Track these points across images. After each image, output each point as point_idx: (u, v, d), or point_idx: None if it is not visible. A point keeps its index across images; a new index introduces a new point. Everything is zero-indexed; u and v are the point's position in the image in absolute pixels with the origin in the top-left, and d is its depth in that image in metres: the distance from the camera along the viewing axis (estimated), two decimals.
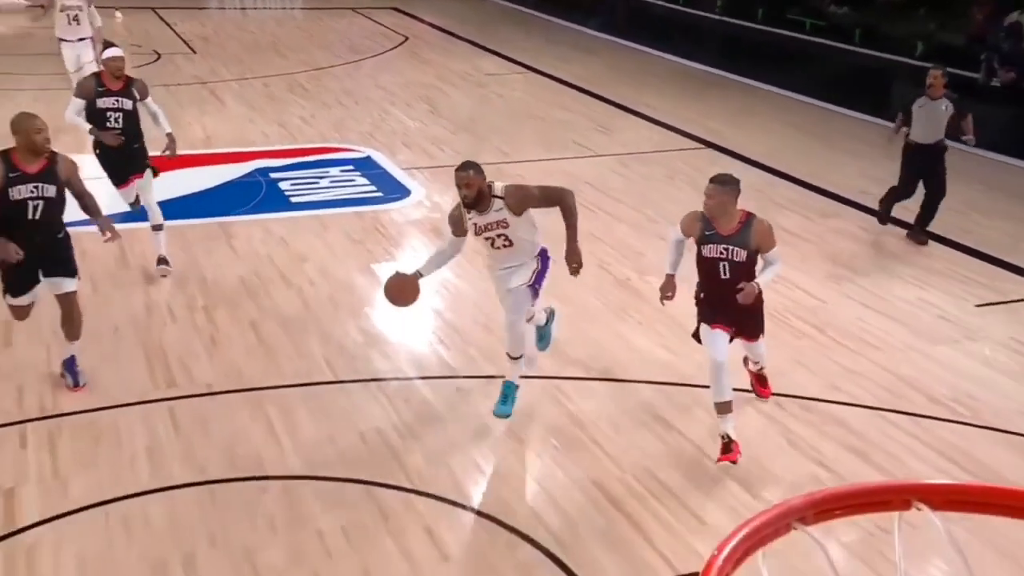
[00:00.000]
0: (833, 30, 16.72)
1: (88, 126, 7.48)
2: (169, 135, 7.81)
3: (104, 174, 7.72)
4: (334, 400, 6.25)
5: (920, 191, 8.95)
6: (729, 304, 5.42)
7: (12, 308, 6.05)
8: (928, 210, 8.95)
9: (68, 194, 5.91)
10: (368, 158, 11.32)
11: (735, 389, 5.65)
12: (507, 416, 5.93)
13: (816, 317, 7.47)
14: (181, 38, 17.88)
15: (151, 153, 7.86)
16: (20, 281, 5.89)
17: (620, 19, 19.74)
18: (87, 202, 6.12)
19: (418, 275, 5.82)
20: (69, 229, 6.04)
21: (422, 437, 5.82)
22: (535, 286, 5.83)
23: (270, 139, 11.98)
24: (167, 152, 7.84)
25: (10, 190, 5.57)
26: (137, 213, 7.88)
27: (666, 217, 9.61)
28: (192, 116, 12.71)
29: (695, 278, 5.63)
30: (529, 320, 5.99)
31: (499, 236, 5.72)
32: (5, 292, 5.94)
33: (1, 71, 14.36)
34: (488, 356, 6.64)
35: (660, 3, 20.59)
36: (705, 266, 5.51)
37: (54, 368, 6.32)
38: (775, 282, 5.85)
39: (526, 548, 4.93)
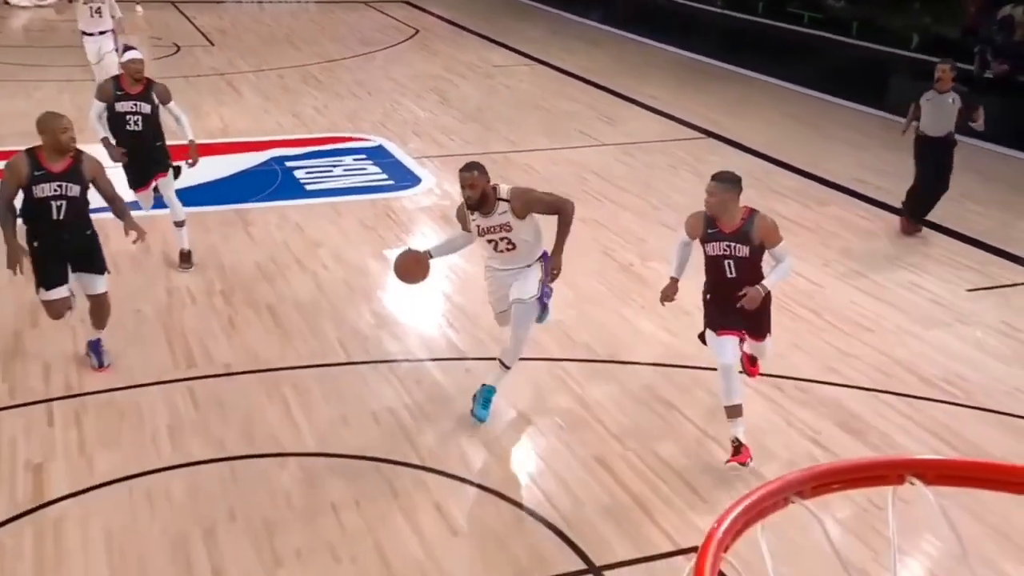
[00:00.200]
0: (831, 23, 16.63)
1: (104, 135, 7.35)
2: (191, 143, 7.60)
3: (121, 176, 7.60)
4: (347, 381, 6.27)
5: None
6: (736, 303, 5.26)
7: (46, 305, 5.93)
8: (928, 202, 8.81)
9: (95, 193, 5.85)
10: (380, 147, 11.31)
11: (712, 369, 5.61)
12: (485, 420, 5.72)
13: (813, 301, 7.46)
14: (200, 31, 17.85)
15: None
16: (50, 275, 5.80)
17: (624, 12, 19.64)
18: (117, 205, 6.05)
19: (428, 255, 5.72)
20: (91, 216, 6.02)
21: (432, 417, 5.84)
22: (544, 300, 5.66)
23: (285, 129, 11.97)
24: (190, 161, 7.65)
25: (34, 188, 5.51)
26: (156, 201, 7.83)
27: (668, 205, 9.62)
28: (210, 106, 12.71)
29: (702, 276, 5.46)
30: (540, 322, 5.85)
31: (502, 239, 5.55)
32: (38, 287, 5.86)
33: (27, 63, 14.36)
34: (496, 338, 6.63)
35: None
36: (710, 265, 5.37)
37: (79, 349, 6.35)
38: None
39: (532, 523, 4.95)
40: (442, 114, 12.83)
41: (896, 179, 10.54)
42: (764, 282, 5.25)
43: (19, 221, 5.79)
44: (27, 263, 5.69)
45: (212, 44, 16.83)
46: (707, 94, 14.29)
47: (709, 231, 5.32)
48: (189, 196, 8.21)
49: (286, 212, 9.15)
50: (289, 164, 10.58)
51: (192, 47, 16.44)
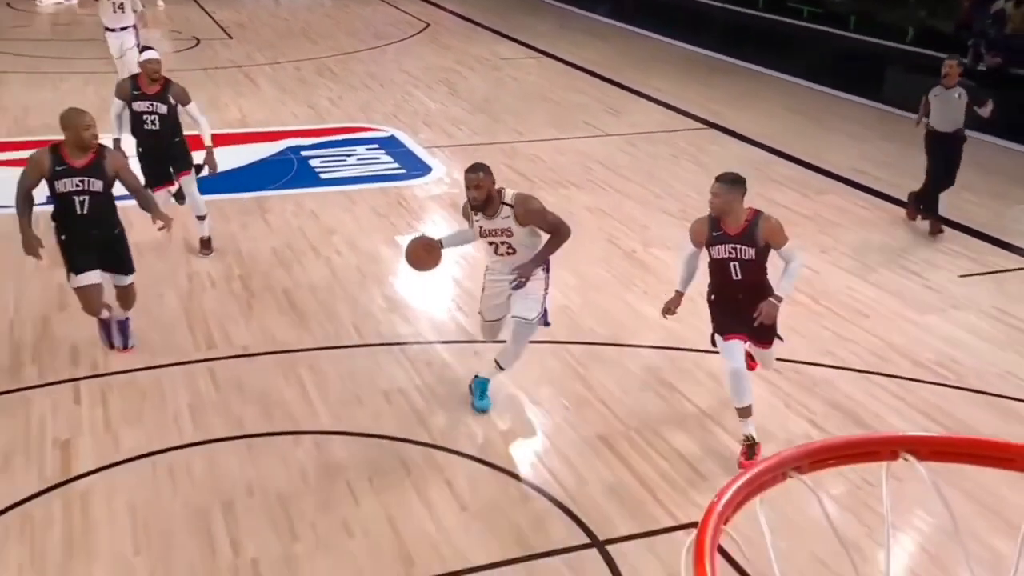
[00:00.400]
0: (829, 17, 16.53)
1: (117, 136, 7.27)
2: (209, 149, 7.44)
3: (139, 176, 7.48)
4: (361, 362, 6.28)
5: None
6: (742, 306, 5.12)
7: (79, 293, 5.82)
8: (925, 192, 8.71)
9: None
10: (392, 137, 11.30)
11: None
12: (488, 409, 5.64)
13: (810, 287, 7.44)
14: (219, 25, 17.83)
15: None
16: (78, 260, 5.71)
17: (630, 6, 19.54)
18: (142, 197, 6.00)
19: (440, 243, 5.60)
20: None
21: (442, 397, 5.85)
22: (545, 319, 5.57)
23: (301, 119, 11.96)
24: (206, 169, 7.49)
25: (56, 182, 5.45)
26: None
27: (671, 193, 9.60)
28: (228, 98, 12.71)
29: (706, 273, 5.36)
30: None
31: (503, 243, 5.41)
32: (68, 274, 5.78)
33: (53, 55, 14.38)
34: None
35: None
36: (716, 268, 5.18)
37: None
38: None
39: (538, 499, 4.97)
40: (452, 105, 12.81)
41: (893, 169, 10.53)
42: (778, 292, 5.06)
43: (48, 217, 5.78)
44: (41, 251, 5.63)
45: (231, 37, 16.81)
46: (709, 86, 14.23)
47: (714, 234, 5.13)
48: (209, 185, 8.21)
49: (302, 200, 9.16)
50: (305, 154, 10.58)
51: (211, 40, 16.42)
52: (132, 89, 7.27)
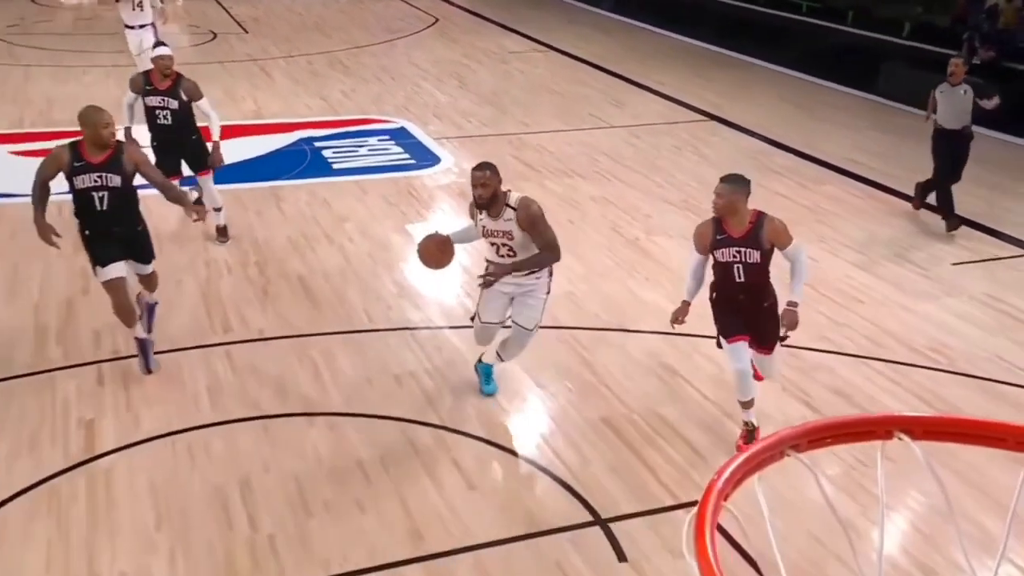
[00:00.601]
0: (827, 11, 16.43)
1: (127, 124, 7.20)
2: (215, 144, 7.30)
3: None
4: (372, 346, 6.29)
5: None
6: (743, 308, 5.00)
7: (107, 287, 5.58)
8: (931, 185, 8.56)
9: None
10: (402, 128, 11.27)
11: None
12: (495, 392, 5.61)
13: (807, 274, 7.41)
14: (235, 19, 17.79)
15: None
16: (101, 252, 5.53)
17: (632, 1, 19.43)
18: (171, 192, 5.90)
19: (451, 241, 5.41)
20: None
21: (450, 380, 5.85)
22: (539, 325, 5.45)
23: (314, 111, 11.93)
24: (210, 163, 7.36)
25: (75, 178, 5.32)
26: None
27: (672, 183, 9.57)
28: (244, 90, 12.69)
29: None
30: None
31: (504, 245, 5.24)
32: (94, 267, 5.61)
33: (75, 49, 14.38)
34: None
35: None
36: (720, 270, 5.00)
37: None
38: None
39: (544, 479, 4.98)
40: (461, 97, 12.77)
41: (887, 160, 10.49)
42: (792, 297, 4.90)
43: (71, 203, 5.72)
44: (56, 239, 5.48)
45: (246, 32, 16.76)
46: (710, 79, 14.16)
47: (718, 237, 4.93)
48: (226, 174, 8.21)
49: (315, 189, 9.15)
50: (318, 144, 10.57)
51: (227, 34, 16.38)
52: (144, 84, 7.23)
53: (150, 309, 6.15)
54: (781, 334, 5.08)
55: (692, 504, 4.67)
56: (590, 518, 4.66)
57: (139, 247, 5.72)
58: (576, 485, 4.90)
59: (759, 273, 4.96)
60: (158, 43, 7.90)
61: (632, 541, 4.49)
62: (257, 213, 8.50)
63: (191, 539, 4.45)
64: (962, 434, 2.41)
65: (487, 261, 5.46)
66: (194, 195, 7.50)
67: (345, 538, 4.48)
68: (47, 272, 7.08)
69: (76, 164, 5.30)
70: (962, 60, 8.30)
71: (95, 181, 5.32)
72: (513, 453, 5.21)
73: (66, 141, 5.52)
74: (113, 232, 5.48)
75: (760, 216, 4.93)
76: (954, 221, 8.38)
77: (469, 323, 5.71)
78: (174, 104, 7.18)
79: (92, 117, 5.32)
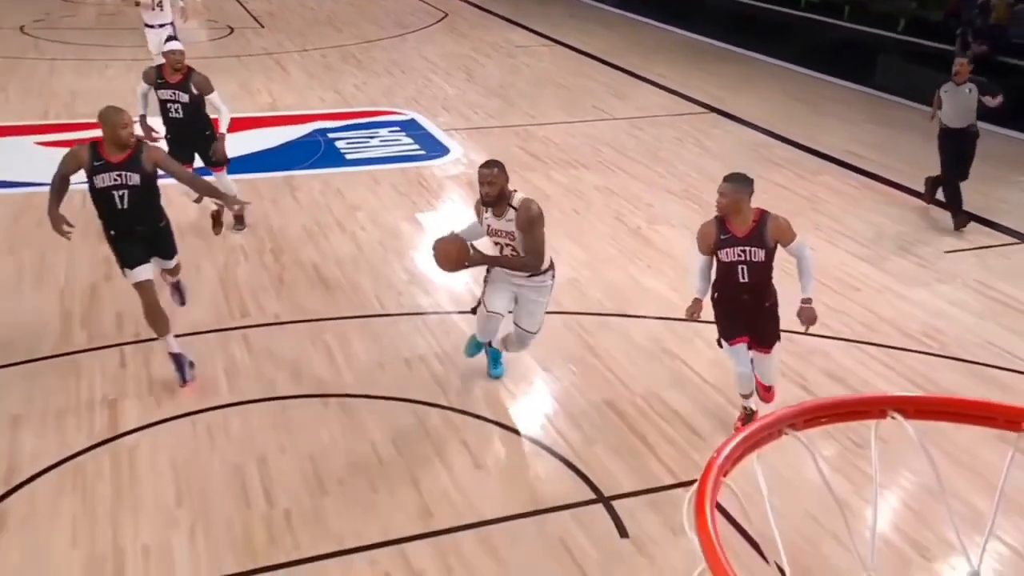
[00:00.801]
0: (825, 6, 16.30)
1: (142, 112, 7.14)
2: (220, 136, 7.20)
3: None
4: (383, 331, 6.30)
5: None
6: (744, 308, 4.87)
7: (137, 290, 5.42)
8: (940, 181, 8.38)
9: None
10: (412, 120, 11.25)
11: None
12: (502, 375, 5.55)
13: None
14: (251, 14, 17.75)
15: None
16: (128, 254, 5.37)
17: None
18: (200, 185, 5.80)
19: (470, 248, 5.10)
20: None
21: (459, 363, 5.86)
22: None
23: (327, 103, 11.92)
24: (212, 154, 7.20)
25: (95, 178, 5.19)
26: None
27: (674, 174, 9.54)
28: (260, 83, 12.67)
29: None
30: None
31: (507, 245, 5.10)
32: (122, 268, 5.46)
33: (98, 44, 14.37)
34: None
35: None
36: (723, 270, 4.83)
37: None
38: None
39: (548, 458, 4.99)
40: (469, 90, 12.73)
41: (884, 151, 10.43)
42: (805, 295, 4.80)
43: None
44: (69, 229, 5.33)
45: (262, 26, 16.73)
46: (711, 73, 14.09)
47: (722, 236, 4.77)
48: (242, 164, 8.22)
49: (328, 179, 9.15)
50: (331, 135, 10.56)
51: (244, 29, 16.35)
52: (156, 77, 7.14)
53: (179, 286, 6.16)
54: (802, 331, 4.94)
55: (692, 483, 4.69)
56: (593, 496, 4.68)
57: (163, 243, 5.59)
58: (579, 464, 4.91)
59: (763, 272, 4.82)
60: (170, 37, 7.81)
61: (633, 518, 4.51)
62: (273, 202, 8.51)
63: (210, 515, 4.48)
64: (953, 413, 2.41)
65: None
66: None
67: (358, 515, 4.50)
68: (72, 259, 7.10)
69: (96, 163, 5.18)
70: (967, 59, 8.10)
71: (115, 180, 5.19)
72: (519, 434, 5.23)
73: (87, 140, 5.39)
74: (136, 231, 5.35)
75: (763, 214, 4.79)
76: (962, 218, 8.22)
77: (472, 312, 5.56)
78: (184, 98, 7.10)
79: (111, 117, 5.20)
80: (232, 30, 16.20)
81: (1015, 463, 2.27)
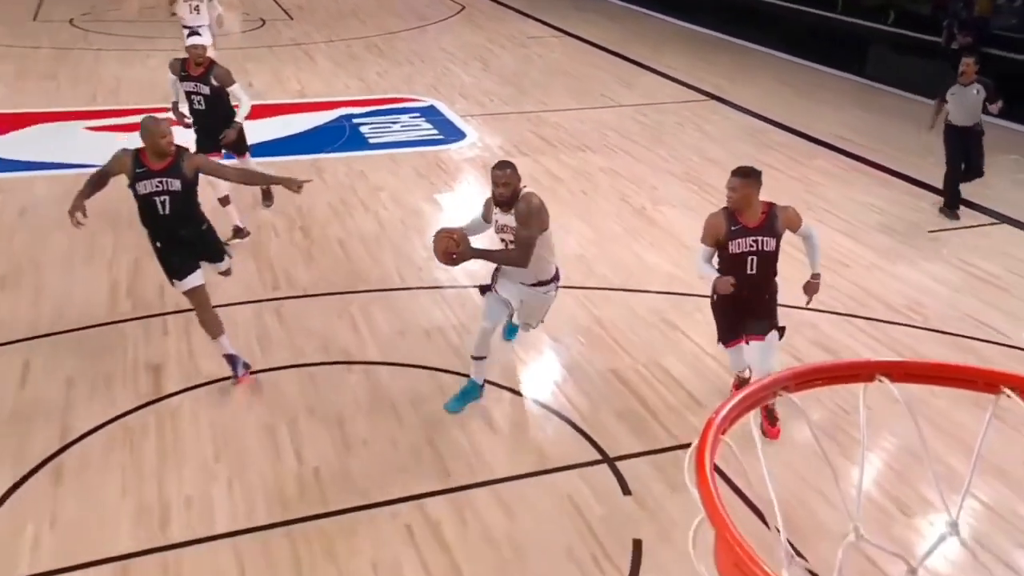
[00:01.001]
0: (819, 0, 16.04)
1: (175, 100, 7.08)
2: (235, 123, 6.97)
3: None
4: (404, 303, 6.31)
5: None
6: (744, 305, 4.61)
7: (188, 297, 5.28)
8: (962, 179, 8.06)
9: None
10: (432, 107, 11.19)
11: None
12: (513, 338, 5.16)
13: (797, 240, 7.34)
14: (281, 7, 17.65)
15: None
16: (177, 264, 5.18)
17: None
18: (250, 177, 5.69)
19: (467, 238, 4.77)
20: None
21: (474, 334, 5.82)
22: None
23: (352, 91, 11.87)
24: (222, 138, 6.94)
25: (137, 184, 5.03)
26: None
27: (676, 157, 9.47)
28: (290, 72, 12.62)
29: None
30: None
31: (511, 242, 4.73)
32: (171, 280, 5.27)
33: (141, 35, 14.35)
34: None
35: None
36: (731, 262, 4.55)
37: None
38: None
39: (557, 422, 5.01)
40: (484, 79, 12.65)
41: (872, 137, 10.32)
42: (815, 270, 4.69)
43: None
44: (83, 219, 5.00)
45: (291, 18, 16.64)
46: (711, 62, 13.94)
47: (733, 227, 4.51)
48: (273, 148, 8.22)
49: (353, 162, 9.13)
50: (355, 121, 10.52)
51: (275, 21, 16.27)
52: (180, 70, 7.00)
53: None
54: (805, 305, 4.85)
55: (690, 445, 4.71)
56: (598, 456, 4.70)
57: (208, 247, 5.35)
58: (585, 427, 4.93)
59: (771, 264, 4.60)
60: (192, 32, 7.63)
61: (636, 477, 4.53)
62: None
63: (246, 470, 4.53)
64: (936, 377, 2.39)
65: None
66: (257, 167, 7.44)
67: (381, 471, 4.54)
68: (118, 236, 7.13)
69: (138, 171, 5.00)
70: (972, 60, 7.82)
71: (156, 186, 5.01)
72: (529, 398, 5.25)
73: (130, 127, 5.29)
74: (180, 236, 5.14)
75: (772, 206, 4.58)
76: (953, 212, 8.01)
77: (481, 293, 5.15)
78: (206, 90, 6.94)
79: (151, 128, 5.02)
80: (264, 22, 16.12)
81: (990, 427, 2.26)
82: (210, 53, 7.27)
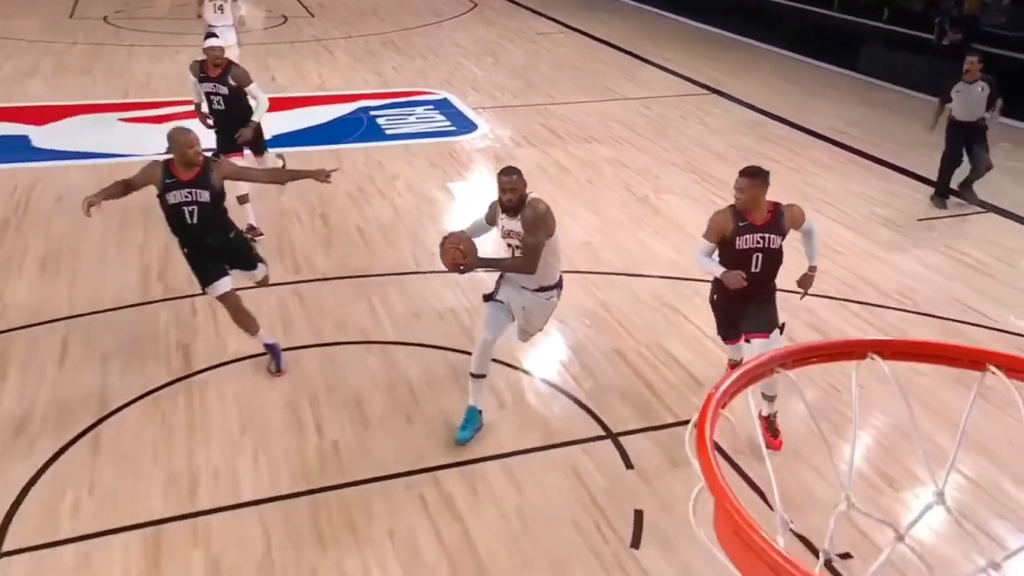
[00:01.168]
0: None
1: (198, 102, 6.97)
2: (251, 122, 6.77)
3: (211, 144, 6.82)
4: (418, 286, 6.32)
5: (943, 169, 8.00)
6: (743, 304, 4.47)
7: (221, 302, 5.12)
8: (971, 176, 7.97)
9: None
10: (445, 100, 11.16)
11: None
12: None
13: (796, 233, 7.30)
14: (302, 4, 17.58)
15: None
16: (205, 270, 5.04)
17: None
18: (279, 175, 5.58)
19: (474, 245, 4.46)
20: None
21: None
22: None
23: (370, 84, 11.83)
24: (237, 136, 6.75)
25: (167, 195, 4.83)
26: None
27: (678, 148, 9.42)
28: (310, 66, 12.59)
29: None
30: None
31: (517, 247, 4.46)
32: (202, 286, 5.12)
33: (171, 32, 14.33)
34: None
35: None
36: (736, 259, 4.38)
37: None
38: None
39: (563, 399, 5.02)
40: (495, 73, 12.58)
41: (866, 129, 10.23)
42: (812, 263, 4.57)
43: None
44: (93, 209, 4.78)
45: (312, 16, 16.58)
46: (712, 58, 13.82)
47: (740, 224, 4.35)
48: (295, 138, 8.21)
49: (370, 152, 9.12)
50: (373, 113, 10.50)
51: (296, 18, 16.22)
52: (199, 71, 6.89)
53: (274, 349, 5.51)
54: (800, 299, 4.77)
55: (690, 421, 4.71)
56: (602, 432, 4.71)
57: (239, 254, 5.17)
58: (590, 404, 4.94)
59: (775, 262, 4.44)
60: (209, 34, 7.48)
61: (638, 452, 4.54)
62: None
63: (270, 443, 4.56)
64: (924, 355, 2.38)
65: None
66: (279, 161, 7.42)
67: (397, 446, 4.56)
68: (149, 222, 7.14)
69: (167, 181, 4.84)
70: (977, 58, 7.66)
71: (186, 197, 4.86)
72: (537, 377, 5.25)
73: (160, 158, 5.04)
74: (208, 244, 4.98)
75: (778, 205, 4.43)
76: (942, 201, 7.93)
77: (485, 300, 4.74)
78: (224, 90, 6.81)
79: (178, 139, 4.83)
80: (286, 19, 16.07)
81: (974, 405, 2.25)
82: (234, 51, 7.19)
